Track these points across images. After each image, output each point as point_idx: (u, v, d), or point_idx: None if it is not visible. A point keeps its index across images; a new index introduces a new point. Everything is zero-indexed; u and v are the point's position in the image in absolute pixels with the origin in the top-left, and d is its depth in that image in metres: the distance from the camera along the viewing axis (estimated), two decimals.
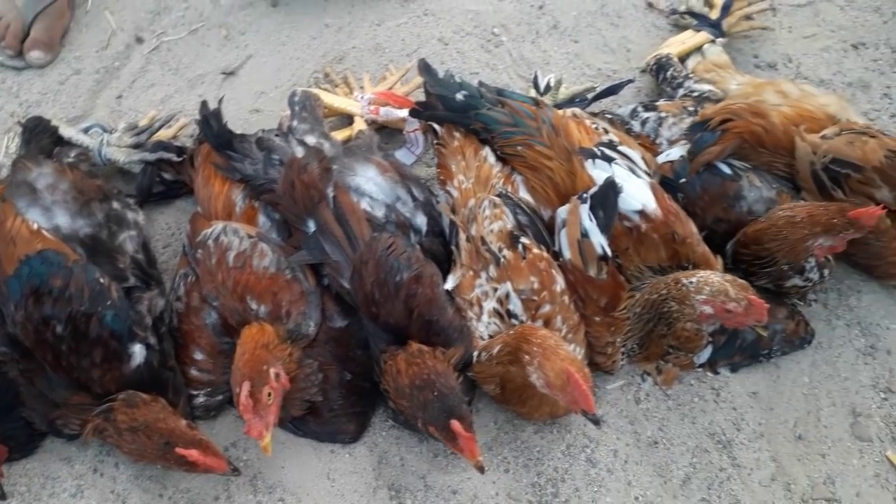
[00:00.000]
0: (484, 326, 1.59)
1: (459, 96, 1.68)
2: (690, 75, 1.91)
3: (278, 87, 2.17)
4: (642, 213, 1.57)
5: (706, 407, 1.68)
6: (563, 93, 1.96)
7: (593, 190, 1.56)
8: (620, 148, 1.67)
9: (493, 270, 1.56)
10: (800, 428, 1.65)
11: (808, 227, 1.55)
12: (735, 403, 1.68)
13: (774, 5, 2.18)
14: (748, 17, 2.08)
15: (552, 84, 1.95)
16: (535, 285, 1.53)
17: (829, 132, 1.68)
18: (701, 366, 1.71)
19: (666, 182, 1.71)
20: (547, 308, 1.55)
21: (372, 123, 1.97)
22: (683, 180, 1.70)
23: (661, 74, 1.94)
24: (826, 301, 1.78)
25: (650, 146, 1.78)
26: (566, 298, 1.57)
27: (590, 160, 1.60)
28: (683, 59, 2.01)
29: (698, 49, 2.00)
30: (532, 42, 2.21)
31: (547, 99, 1.95)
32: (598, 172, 1.59)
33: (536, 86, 1.99)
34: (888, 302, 1.77)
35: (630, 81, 1.96)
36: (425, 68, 1.73)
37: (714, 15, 2.04)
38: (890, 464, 1.60)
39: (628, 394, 1.71)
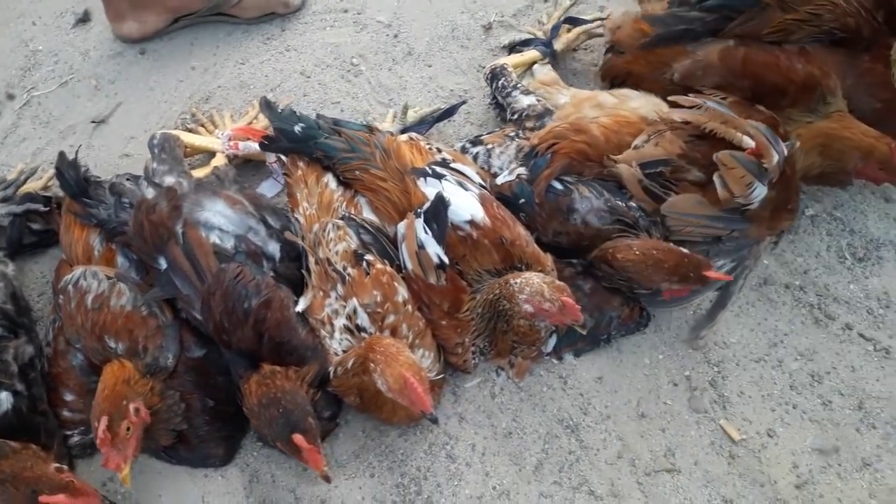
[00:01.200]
0: (337, 343, 1.69)
1: (298, 128, 1.79)
2: (519, 85, 2.04)
3: (147, 131, 2.25)
4: (472, 223, 1.69)
5: (555, 395, 1.81)
6: (412, 116, 2.09)
7: (426, 205, 1.68)
8: (453, 165, 1.80)
9: (340, 289, 1.67)
10: (642, 406, 1.79)
11: (670, 273, 1.69)
12: (582, 389, 1.81)
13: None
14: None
15: (400, 109, 2.08)
16: (379, 298, 1.64)
17: (638, 141, 1.83)
18: (548, 354, 1.85)
19: (507, 201, 1.86)
20: (392, 318, 1.66)
21: (235, 158, 2.07)
22: (523, 200, 1.84)
23: (495, 83, 2.08)
24: None
25: (490, 175, 1.92)
26: (410, 307, 1.69)
27: (422, 178, 1.72)
28: (522, 73, 2.16)
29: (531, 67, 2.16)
30: (389, 69, 2.33)
31: (397, 122, 2.08)
32: (430, 189, 1.71)
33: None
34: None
35: (463, 103, 2.11)
36: (266, 105, 1.84)
37: (544, 37, 2.19)
38: (723, 431, 1.75)
39: (485, 390, 1.83)
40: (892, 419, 1.73)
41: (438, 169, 1.75)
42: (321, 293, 1.69)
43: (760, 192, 1.71)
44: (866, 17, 1.85)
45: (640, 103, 1.92)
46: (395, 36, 2.40)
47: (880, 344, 1.82)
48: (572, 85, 2.25)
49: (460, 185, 1.74)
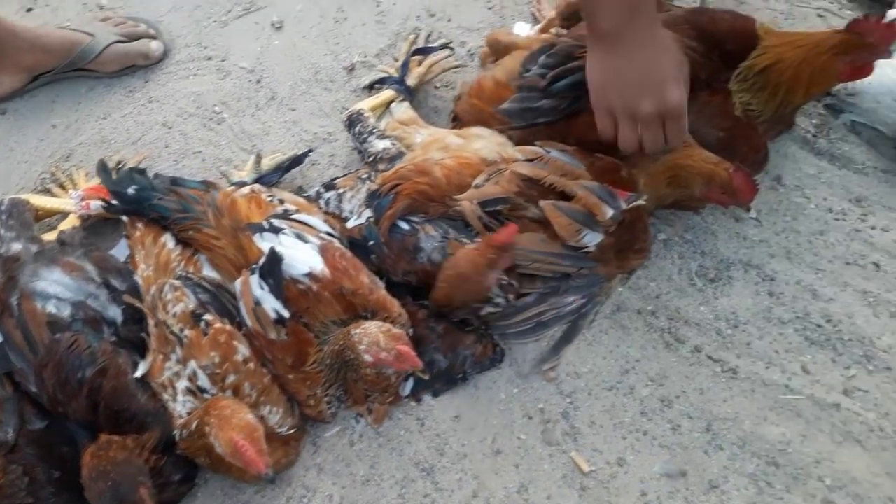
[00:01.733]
0: (181, 405, 1.67)
1: (131, 190, 1.78)
2: (375, 130, 2.06)
3: (6, 193, 2.21)
4: (311, 275, 1.69)
5: (412, 438, 1.81)
6: (267, 164, 2.09)
7: (261, 261, 1.68)
8: (295, 216, 1.81)
9: (179, 351, 1.66)
10: (497, 442, 1.81)
11: (475, 273, 1.72)
12: (439, 430, 1.82)
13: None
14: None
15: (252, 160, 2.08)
16: (217, 359, 1.64)
17: (478, 180, 1.86)
18: (407, 397, 1.86)
19: (358, 244, 1.87)
20: (233, 378, 1.66)
21: (89, 218, 2.04)
22: (372, 242, 1.85)
23: (352, 129, 2.09)
24: None
25: (340, 221, 1.93)
26: (252, 365, 1.68)
27: (257, 234, 1.72)
28: (381, 113, 2.18)
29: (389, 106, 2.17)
30: (252, 115, 2.33)
31: (252, 172, 2.07)
32: (266, 244, 1.71)
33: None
34: None
35: (311, 151, 2.12)
36: (101, 168, 1.83)
37: (396, 74, 2.21)
38: (574, 464, 1.77)
39: (344, 438, 1.82)
40: (738, 440, 1.77)
41: (276, 222, 1.75)
42: (161, 356, 1.67)
43: (593, 238, 1.75)
44: (702, 61, 1.91)
45: (483, 144, 1.94)
46: (258, 81, 2.40)
47: (728, 365, 1.87)
48: (433, 123, 2.29)
49: (299, 237, 1.74)
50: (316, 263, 1.70)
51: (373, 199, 1.87)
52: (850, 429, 1.77)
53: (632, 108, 1.59)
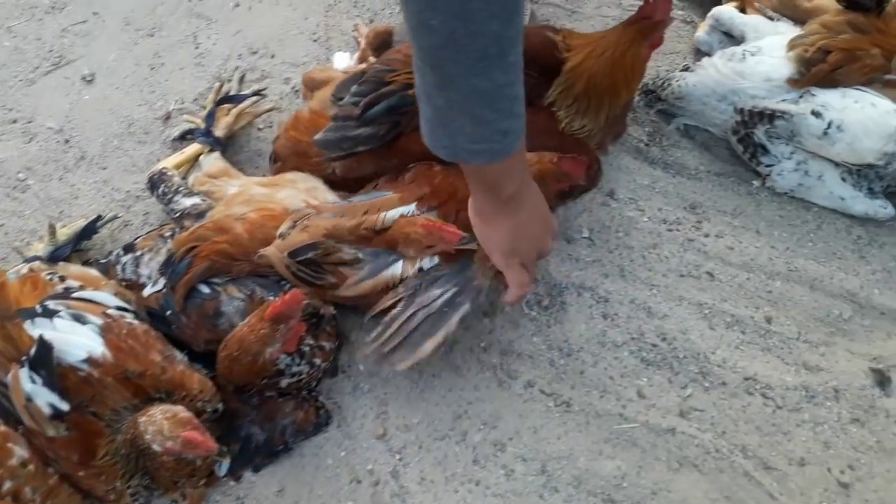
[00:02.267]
0: None
1: None
2: (181, 188, 1.93)
3: None
4: (90, 360, 1.54)
5: None
6: (63, 233, 1.93)
7: (31, 351, 1.53)
8: (77, 294, 1.66)
9: None
10: None
11: (244, 352, 1.59)
12: None
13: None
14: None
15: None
16: None
17: (283, 229, 1.74)
18: (225, 476, 1.72)
19: (155, 315, 1.73)
20: (10, 484, 1.50)
21: None
22: (169, 312, 1.72)
23: (155, 191, 1.95)
24: (350, 373, 1.85)
25: (138, 287, 1.79)
26: (32, 467, 1.53)
27: (28, 321, 1.57)
28: (190, 167, 2.04)
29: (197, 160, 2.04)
30: (60, 179, 2.17)
31: (47, 245, 1.91)
32: (38, 331, 1.55)
33: None
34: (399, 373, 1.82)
35: (98, 218, 1.97)
36: None
37: (202, 126, 2.07)
38: None
39: None
40: (573, 479, 1.69)
41: (52, 304, 1.60)
42: None
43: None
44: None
45: (288, 193, 1.82)
46: (67, 141, 2.23)
47: (561, 398, 1.78)
48: (257, 167, 2.17)
49: (78, 318, 1.59)
50: (95, 347, 1.56)
51: (167, 265, 1.74)
52: (686, 453, 1.70)
53: (537, 253, 1.61)
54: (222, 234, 1.75)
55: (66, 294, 1.65)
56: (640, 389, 1.78)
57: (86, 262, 1.94)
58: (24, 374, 1.51)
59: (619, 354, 1.83)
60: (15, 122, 2.29)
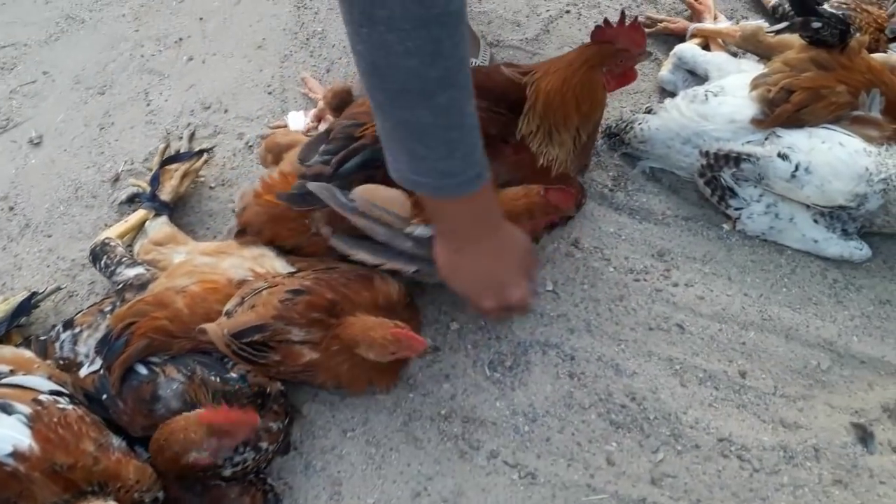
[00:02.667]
0: None
1: None
2: (124, 259, 1.84)
3: None
4: (16, 454, 1.44)
5: None
6: (2, 308, 1.85)
7: None
8: (8, 380, 1.57)
9: None
10: None
11: (181, 444, 1.49)
12: None
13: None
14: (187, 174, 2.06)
15: None
16: None
17: (230, 306, 1.65)
18: None
19: (92, 398, 1.64)
20: None
21: None
22: (105, 396, 1.62)
23: (98, 263, 1.87)
24: (302, 450, 1.75)
25: (77, 366, 1.69)
26: None
27: None
28: (136, 234, 1.96)
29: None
30: (3, 249, 2.09)
31: None
32: None
33: None
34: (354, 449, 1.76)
35: (35, 295, 1.88)
36: None
37: (147, 188, 2.00)
38: None
39: None
40: None
41: None
42: None
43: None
44: (487, 117, 1.76)
45: (232, 262, 1.74)
46: (11, 209, 2.16)
47: (526, 469, 1.68)
48: (209, 228, 2.09)
49: (4, 408, 1.50)
50: (22, 439, 1.46)
51: (104, 343, 1.65)
52: None
53: (476, 301, 1.60)
54: (162, 308, 1.66)
55: None
56: (609, 456, 1.68)
57: (27, 339, 1.85)
58: None
59: (586, 417, 1.73)
60: None
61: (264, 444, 1.61)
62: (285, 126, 2.20)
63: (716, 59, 2.09)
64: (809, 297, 1.87)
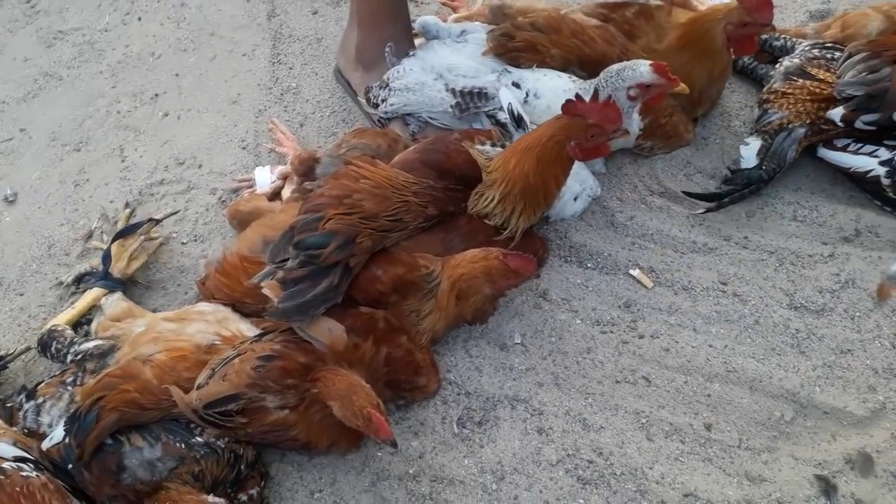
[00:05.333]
0: None
1: None
2: (75, 340, 1.84)
3: None
4: None
5: None
6: None
7: None
8: None
9: None
10: None
11: None
12: None
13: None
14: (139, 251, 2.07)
15: None
16: None
17: (200, 380, 1.66)
18: None
19: (56, 466, 1.64)
20: None
21: None
22: (70, 466, 1.62)
23: (47, 352, 1.86)
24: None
25: (39, 436, 1.70)
26: None
27: None
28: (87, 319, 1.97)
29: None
30: None
31: None
32: None
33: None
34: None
35: (2, 357, 1.89)
36: None
37: (98, 267, 2.01)
38: None
39: None
40: None
41: None
42: None
43: None
44: (443, 196, 1.89)
45: (197, 328, 1.76)
46: None
47: None
48: (180, 284, 2.10)
49: None
50: None
51: (73, 420, 1.64)
52: None
53: None
54: (130, 381, 1.66)
55: None
56: None
57: None
58: None
59: (554, 474, 1.74)
60: None
61: None
62: (251, 181, 2.23)
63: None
64: (773, 347, 1.90)
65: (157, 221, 2.07)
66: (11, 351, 1.93)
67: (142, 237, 2.03)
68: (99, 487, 1.61)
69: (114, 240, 2.01)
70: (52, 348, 1.83)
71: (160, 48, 2.66)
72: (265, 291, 1.71)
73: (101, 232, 2.14)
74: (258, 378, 1.63)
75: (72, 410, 1.65)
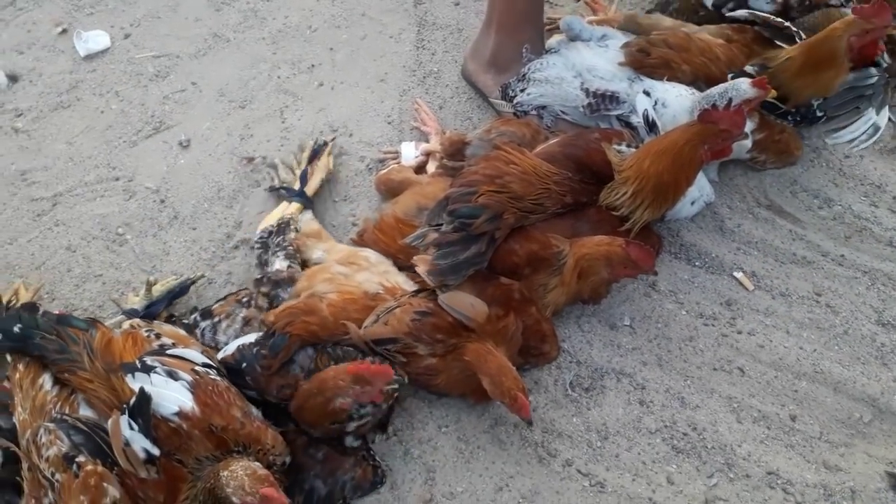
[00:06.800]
0: None
1: (17, 328, 1.86)
2: (288, 247, 2.15)
3: None
4: (180, 414, 1.76)
5: None
6: (158, 290, 2.17)
7: (132, 401, 1.75)
8: (171, 351, 1.88)
9: (51, 496, 1.71)
10: None
11: (322, 395, 1.81)
12: None
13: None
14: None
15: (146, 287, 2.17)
16: (86, 503, 1.69)
17: (368, 322, 1.95)
18: None
19: (231, 368, 1.95)
20: None
21: None
22: (245, 365, 1.93)
23: (273, 238, 2.18)
24: (402, 437, 2.03)
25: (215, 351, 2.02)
26: None
27: (130, 374, 1.79)
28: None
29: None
30: (154, 236, 2.42)
31: (143, 299, 2.15)
32: (137, 384, 1.77)
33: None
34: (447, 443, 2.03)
35: (193, 280, 2.22)
36: None
37: (296, 186, 2.33)
38: None
39: None
40: None
41: (149, 361, 1.82)
42: (33, 501, 1.73)
43: None
44: (578, 188, 2.15)
45: (365, 277, 2.04)
46: (162, 201, 2.49)
47: (596, 478, 1.93)
48: (332, 237, 2.37)
49: (171, 374, 1.81)
50: (186, 402, 1.77)
51: (267, 337, 1.94)
52: None
53: None
54: (311, 315, 1.96)
55: (161, 351, 1.87)
56: (670, 476, 1.93)
57: (169, 318, 2.18)
58: (124, 420, 1.73)
59: (652, 441, 1.98)
60: (117, 179, 2.56)
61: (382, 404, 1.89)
62: (396, 153, 2.51)
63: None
64: (858, 356, 2.10)
65: (328, 143, 2.49)
66: (193, 277, 2.25)
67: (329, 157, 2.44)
68: (271, 380, 1.92)
69: (309, 161, 2.38)
70: (278, 239, 2.16)
71: (316, 22, 2.94)
72: (416, 263, 2.01)
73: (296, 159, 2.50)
74: (414, 328, 1.91)
75: (258, 331, 1.98)
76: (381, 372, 1.80)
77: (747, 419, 2.01)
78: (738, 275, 2.24)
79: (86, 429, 1.79)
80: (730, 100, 2.07)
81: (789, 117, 2.38)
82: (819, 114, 2.40)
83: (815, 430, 1.99)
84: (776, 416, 2.01)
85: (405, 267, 2.12)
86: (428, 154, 2.45)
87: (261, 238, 2.23)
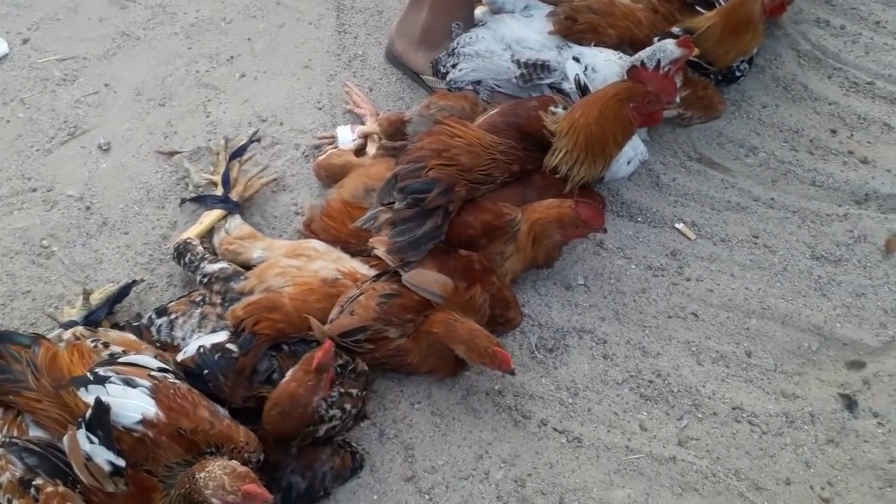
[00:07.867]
0: None
1: None
2: (207, 256, 2.06)
3: None
4: (144, 422, 1.65)
5: None
6: (96, 298, 2.04)
7: (87, 414, 1.64)
8: (123, 359, 1.77)
9: None
10: None
11: (296, 405, 1.75)
12: None
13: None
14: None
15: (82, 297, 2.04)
16: None
17: (333, 314, 1.90)
18: None
19: (192, 373, 1.86)
20: None
21: None
22: (206, 371, 1.84)
23: (182, 260, 2.08)
24: (376, 420, 1.99)
25: (172, 349, 1.92)
26: None
27: (82, 388, 1.68)
28: (210, 235, 2.18)
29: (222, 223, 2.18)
30: (83, 245, 2.28)
31: (81, 310, 2.02)
32: (92, 396, 1.66)
33: None
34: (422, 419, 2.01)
35: (138, 281, 2.11)
36: None
37: (219, 191, 2.22)
38: None
39: None
40: None
41: (101, 371, 1.70)
42: None
43: None
44: (523, 155, 2.17)
45: (320, 265, 1.98)
46: (88, 208, 2.35)
47: (572, 434, 1.96)
48: (274, 228, 2.31)
49: (128, 382, 1.70)
50: (149, 408, 1.67)
51: (237, 335, 1.86)
52: (687, 479, 1.90)
53: None
54: (275, 311, 1.89)
55: (112, 360, 1.76)
56: (642, 423, 1.98)
57: (115, 325, 2.06)
58: (81, 435, 1.62)
59: (620, 391, 2.03)
60: (35, 190, 2.40)
61: (348, 407, 1.85)
62: (332, 138, 2.46)
63: None
64: (799, 290, 2.21)
65: (258, 140, 2.41)
66: (131, 280, 2.13)
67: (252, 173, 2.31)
68: (234, 389, 1.83)
69: (230, 160, 2.27)
70: (186, 258, 2.05)
71: (230, 14, 2.84)
72: (373, 245, 1.97)
73: (210, 162, 2.38)
74: (382, 313, 1.88)
75: (215, 324, 1.90)
76: (325, 350, 1.75)
77: (707, 360, 2.09)
78: (680, 226, 2.33)
79: (39, 450, 1.67)
80: (658, 61, 2.14)
81: (711, 75, 2.49)
82: (738, 73, 2.52)
83: (770, 363, 2.09)
84: (733, 354, 2.10)
85: (357, 253, 2.08)
86: (365, 136, 2.41)
87: (176, 249, 2.12)
